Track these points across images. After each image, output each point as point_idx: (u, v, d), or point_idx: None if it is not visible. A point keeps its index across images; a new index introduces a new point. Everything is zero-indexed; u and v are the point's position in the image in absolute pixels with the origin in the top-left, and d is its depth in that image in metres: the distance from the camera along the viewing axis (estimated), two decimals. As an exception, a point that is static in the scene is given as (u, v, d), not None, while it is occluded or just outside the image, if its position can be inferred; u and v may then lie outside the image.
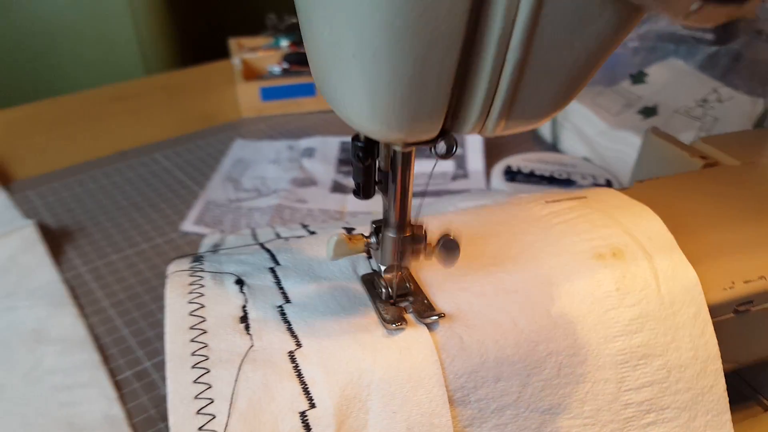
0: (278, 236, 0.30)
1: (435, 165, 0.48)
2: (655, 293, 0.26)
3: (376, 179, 0.23)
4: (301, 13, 0.18)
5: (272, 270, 0.27)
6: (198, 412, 0.21)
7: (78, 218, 0.59)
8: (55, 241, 0.55)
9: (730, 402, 0.36)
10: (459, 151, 0.68)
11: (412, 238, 0.24)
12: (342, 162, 0.68)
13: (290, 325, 0.24)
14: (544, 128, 0.71)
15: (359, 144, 0.21)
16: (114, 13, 1.02)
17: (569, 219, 0.29)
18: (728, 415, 0.26)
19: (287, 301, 0.25)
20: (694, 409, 0.25)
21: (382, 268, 0.25)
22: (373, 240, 0.25)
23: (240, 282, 0.26)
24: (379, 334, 0.24)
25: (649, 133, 0.42)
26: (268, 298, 0.25)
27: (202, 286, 0.26)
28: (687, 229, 0.31)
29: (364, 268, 0.27)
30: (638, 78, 0.64)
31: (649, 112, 0.59)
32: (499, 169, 0.52)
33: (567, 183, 0.49)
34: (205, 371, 0.22)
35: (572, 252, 0.27)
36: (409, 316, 0.25)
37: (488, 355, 0.24)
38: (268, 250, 0.29)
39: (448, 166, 0.66)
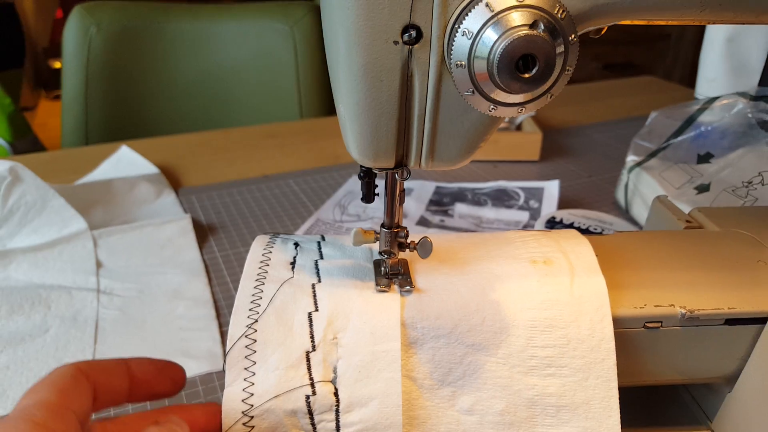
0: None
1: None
2: (568, 288, 0.35)
3: (375, 192, 0.36)
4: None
5: (318, 243, 0.41)
6: (251, 302, 0.35)
7: (222, 219, 0.77)
8: (203, 232, 0.73)
9: (684, 423, 0.43)
10: (535, 204, 0.79)
11: (396, 234, 0.36)
12: (432, 202, 0.80)
13: (318, 271, 0.37)
14: (620, 195, 0.79)
15: (362, 167, 0.34)
16: (282, 66, 1.24)
17: (526, 241, 0.39)
18: (615, 383, 0.34)
19: (321, 258, 0.39)
20: (587, 372, 0.34)
21: (380, 253, 0.38)
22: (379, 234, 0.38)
23: (296, 244, 0.40)
24: (370, 289, 0.36)
25: (656, 200, 0.50)
26: (311, 255, 0.39)
27: (274, 244, 0.40)
28: (628, 264, 0.39)
29: (378, 255, 0.40)
30: (704, 158, 0.70)
31: (702, 188, 0.66)
32: (545, 218, 0.61)
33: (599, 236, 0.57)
34: (261, 283, 0.36)
35: (516, 257, 0.37)
36: (395, 287, 0.36)
37: (433, 304, 0.35)
38: (322, 235, 0.42)
39: (522, 216, 0.76)
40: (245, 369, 0.33)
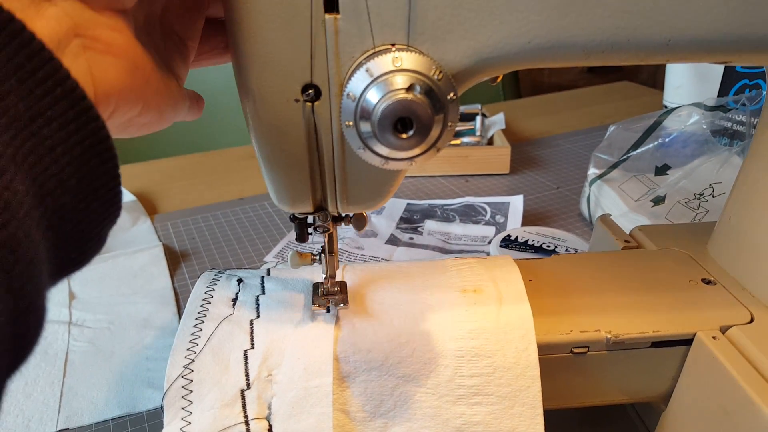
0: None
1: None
2: (495, 316, 0.36)
3: (309, 232, 0.37)
4: None
5: (262, 278, 0.42)
6: (189, 341, 0.37)
7: (195, 245, 0.78)
8: (175, 259, 0.75)
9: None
10: (501, 218, 0.80)
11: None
12: (403, 220, 0.81)
13: (258, 306, 0.39)
14: (584, 207, 0.80)
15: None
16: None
17: (460, 269, 0.41)
18: (540, 410, 0.35)
19: (263, 293, 0.40)
20: (512, 400, 0.35)
21: (323, 275, 0.39)
22: (318, 258, 0.39)
23: (240, 281, 0.42)
24: (307, 324, 0.37)
25: (599, 220, 0.51)
26: (253, 291, 0.40)
27: (219, 280, 0.42)
28: (561, 289, 0.41)
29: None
30: (661, 170, 0.71)
31: (658, 200, 0.67)
32: (501, 236, 0.62)
33: (551, 252, 0.58)
34: (201, 322, 0.38)
35: (449, 286, 0.39)
36: (330, 305, 0.38)
37: (367, 336, 0.36)
38: (268, 269, 0.44)
39: (489, 231, 0.77)
40: (182, 408, 0.35)
